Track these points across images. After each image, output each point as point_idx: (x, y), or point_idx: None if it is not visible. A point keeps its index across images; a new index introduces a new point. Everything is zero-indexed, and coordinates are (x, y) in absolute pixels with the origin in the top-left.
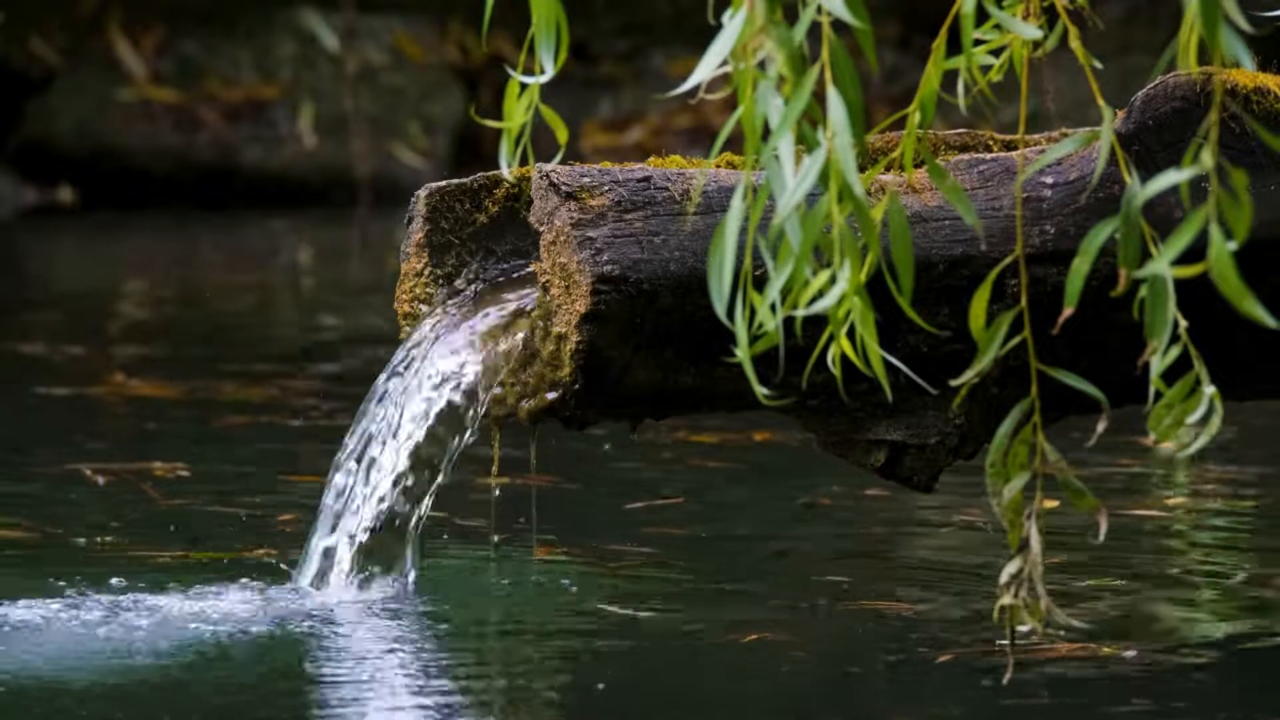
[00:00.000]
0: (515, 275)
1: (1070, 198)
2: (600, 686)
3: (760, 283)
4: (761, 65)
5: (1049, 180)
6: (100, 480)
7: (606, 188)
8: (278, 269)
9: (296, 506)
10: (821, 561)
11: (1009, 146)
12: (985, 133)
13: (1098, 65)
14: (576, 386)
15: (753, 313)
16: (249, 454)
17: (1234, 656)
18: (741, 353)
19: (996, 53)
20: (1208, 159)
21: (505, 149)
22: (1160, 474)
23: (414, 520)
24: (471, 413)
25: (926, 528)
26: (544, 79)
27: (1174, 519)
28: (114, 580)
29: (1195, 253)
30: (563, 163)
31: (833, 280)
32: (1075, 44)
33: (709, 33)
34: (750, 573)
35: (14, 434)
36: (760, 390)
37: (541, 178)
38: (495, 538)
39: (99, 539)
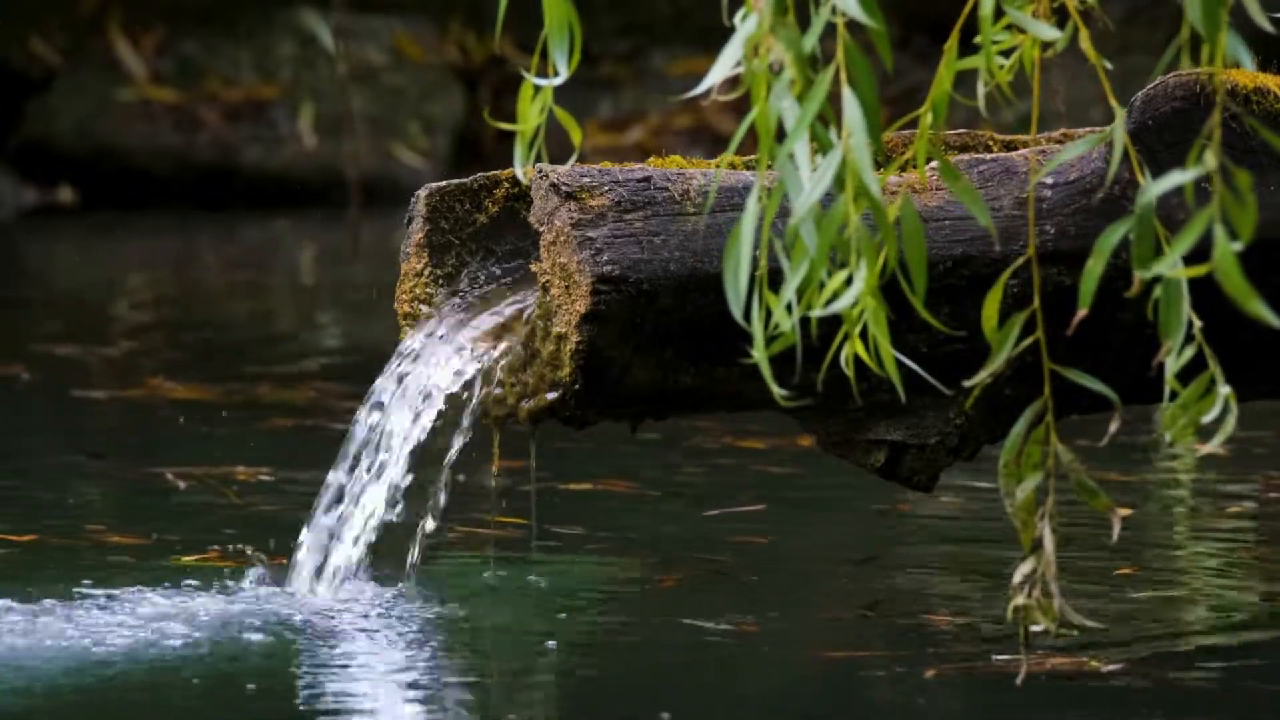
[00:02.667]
0: (512, 279)
1: (1070, 198)
2: (665, 716)
3: (774, 283)
4: (773, 68)
5: (1049, 180)
6: (181, 485)
7: (606, 188)
8: (280, 269)
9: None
10: (891, 570)
11: (1009, 146)
12: (985, 133)
13: (1108, 66)
14: (576, 386)
15: (768, 314)
16: (315, 457)
17: (1238, 668)
18: (758, 353)
19: (1006, 53)
20: (1211, 160)
21: (519, 151)
22: (1228, 478)
23: (417, 521)
24: (469, 414)
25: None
26: (558, 81)
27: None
28: (120, 580)
29: (1199, 253)
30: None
31: (849, 281)
32: (1086, 44)
33: (709, 33)
34: (815, 580)
35: (81, 439)
36: (778, 391)
37: (541, 178)
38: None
39: (232, 546)
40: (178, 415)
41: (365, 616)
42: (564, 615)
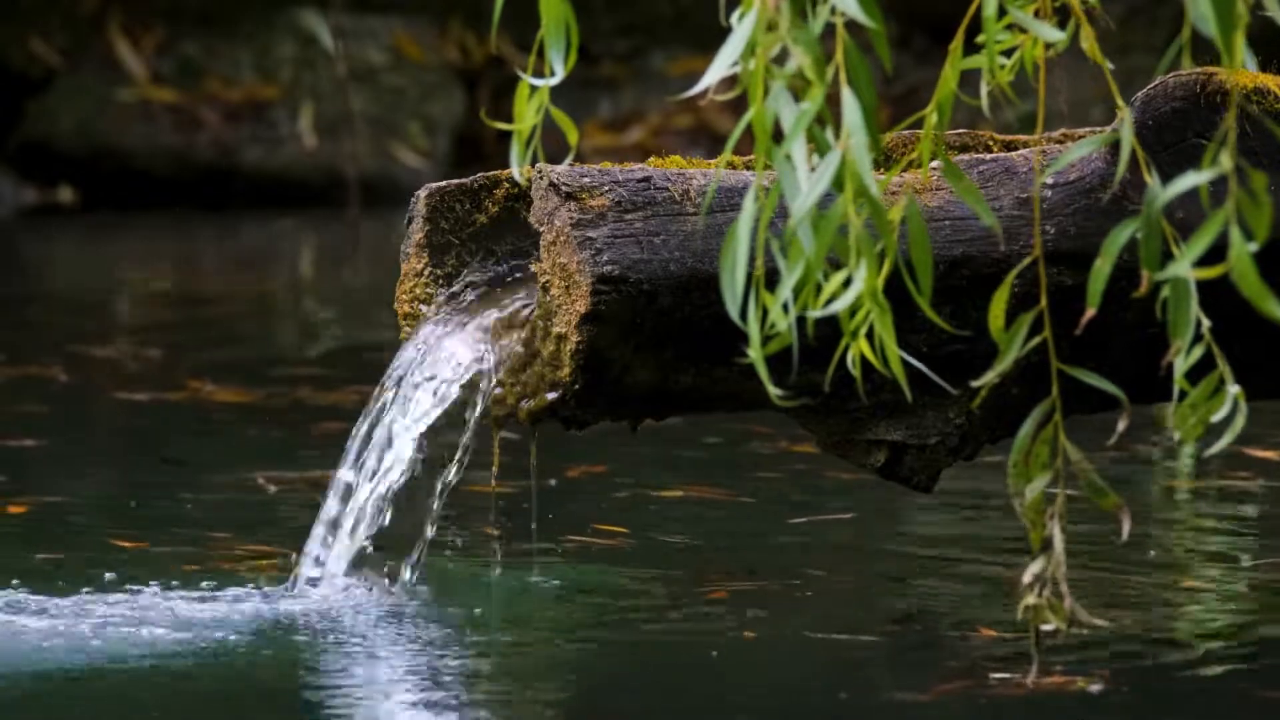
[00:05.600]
0: (512, 280)
1: (1070, 198)
2: None
3: (771, 282)
4: (777, 63)
5: (1050, 181)
6: (272, 489)
7: (606, 188)
8: (285, 269)
9: (477, 513)
10: (952, 581)
11: (1009, 147)
12: (985, 133)
13: (1111, 66)
14: (576, 386)
15: (765, 313)
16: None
17: (1245, 672)
18: (754, 353)
19: (1008, 53)
20: (1226, 161)
21: (516, 151)
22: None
23: (420, 520)
24: (471, 413)
25: (1088, 547)
26: (554, 81)
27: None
28: (125, 580)
29: (1206, 254)
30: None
31: (848, 282)
32: (1090, 44)
33: (709, 33)
34: (862, 590)
35: (146, 444)
36: (774, 391)
37: (541, 178)
38: (499, 534)
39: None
40: (230, 419)
41: (367, 617)
42: (581, 621)
